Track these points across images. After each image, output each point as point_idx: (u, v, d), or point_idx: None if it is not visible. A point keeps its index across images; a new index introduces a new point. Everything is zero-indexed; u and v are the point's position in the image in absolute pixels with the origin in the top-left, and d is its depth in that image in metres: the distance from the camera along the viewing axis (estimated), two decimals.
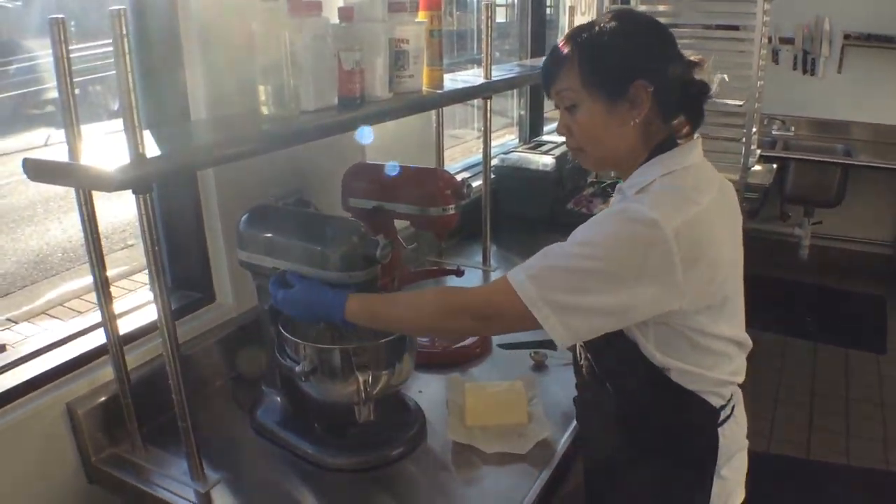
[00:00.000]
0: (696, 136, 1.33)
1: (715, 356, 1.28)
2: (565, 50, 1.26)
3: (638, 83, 1.21)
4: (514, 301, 1.15)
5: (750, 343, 1.33)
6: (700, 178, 1.26)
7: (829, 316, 4.57)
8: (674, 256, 1.12)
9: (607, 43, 1.23)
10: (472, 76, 2.18)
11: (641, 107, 1.23)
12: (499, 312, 1.21)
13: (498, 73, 2.23)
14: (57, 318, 3.78)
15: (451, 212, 1.76)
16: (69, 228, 4.54)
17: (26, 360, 1.49)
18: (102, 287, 1.35)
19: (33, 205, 4.80)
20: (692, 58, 1.29)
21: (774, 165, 3.88)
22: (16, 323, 3.80)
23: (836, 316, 4.59)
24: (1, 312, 3.90)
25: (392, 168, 1.79)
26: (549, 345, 1.61)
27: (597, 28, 1.25)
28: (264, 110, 1.44)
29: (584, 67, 1.23)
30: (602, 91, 1.23)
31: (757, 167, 3.61)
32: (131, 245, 4.27)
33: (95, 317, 1.59)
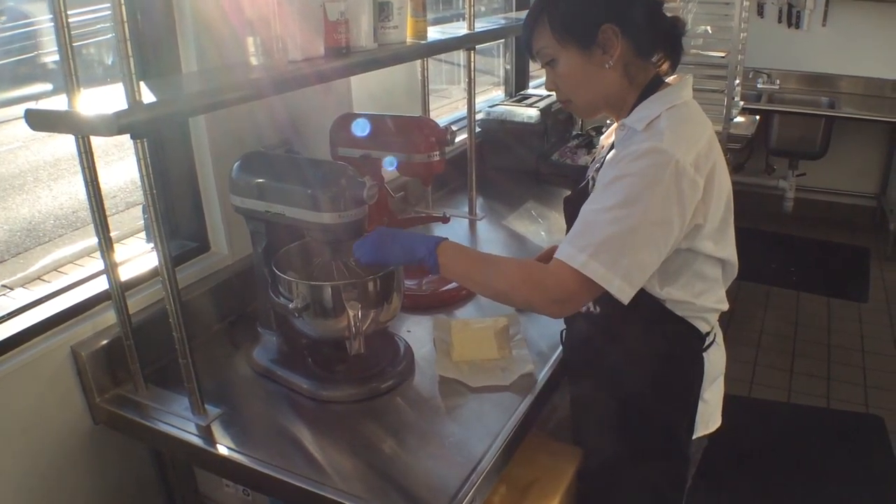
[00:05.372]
0: (688, 76, 1.40)
1: (706, 282, 1.38)
2: (536, 12, 1.37)
3: (605, 27, 1.30)
4: (586, 284, 1.22)
5: (737, 264, 1.42)
6: (698, 112, 1.36)
7: (813, 267, 4.64)
8: (698, 184, 1.23)
9: None
10: (455, 28, 2.22)
11: (613, 49, 1.31)
12: (573, 297, 1.26)
13: (482, 26, 2.27)
14: (51, 283, 3.83)
15: (436, 158, 1.82)
16: (59, 196, 4.55)
17: (33, 306, 1.55)
18: (104, 234, 1.40)
19: (23, 174, 4.79)
20: None
21: (757, 117, 3.93)
22: (11, 289, 3.85)
23: (820, 267, 4.66)
24: None
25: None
26: None
27: None
28: (253, 61, 1.50)
29: (554, 24, 1.34)
30: (574, 41, 1.33)
31: (739, 118, 3.67)
32: (116, 212, 4.31)
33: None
